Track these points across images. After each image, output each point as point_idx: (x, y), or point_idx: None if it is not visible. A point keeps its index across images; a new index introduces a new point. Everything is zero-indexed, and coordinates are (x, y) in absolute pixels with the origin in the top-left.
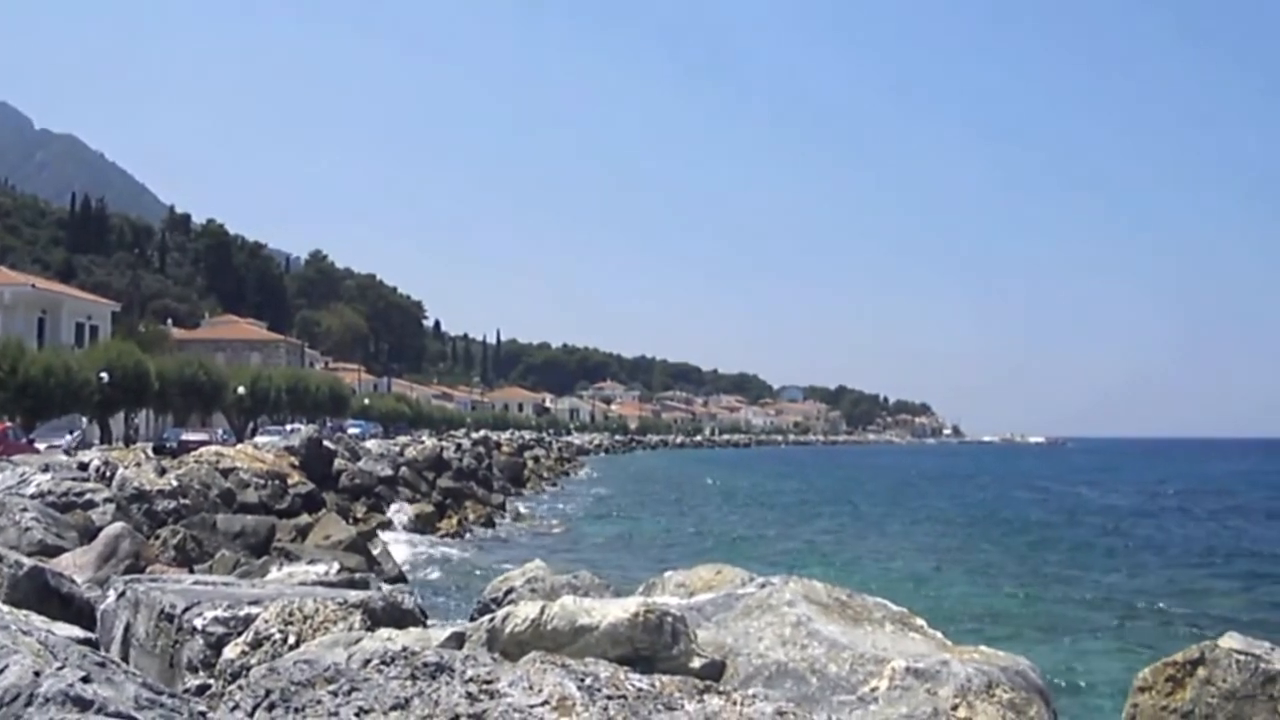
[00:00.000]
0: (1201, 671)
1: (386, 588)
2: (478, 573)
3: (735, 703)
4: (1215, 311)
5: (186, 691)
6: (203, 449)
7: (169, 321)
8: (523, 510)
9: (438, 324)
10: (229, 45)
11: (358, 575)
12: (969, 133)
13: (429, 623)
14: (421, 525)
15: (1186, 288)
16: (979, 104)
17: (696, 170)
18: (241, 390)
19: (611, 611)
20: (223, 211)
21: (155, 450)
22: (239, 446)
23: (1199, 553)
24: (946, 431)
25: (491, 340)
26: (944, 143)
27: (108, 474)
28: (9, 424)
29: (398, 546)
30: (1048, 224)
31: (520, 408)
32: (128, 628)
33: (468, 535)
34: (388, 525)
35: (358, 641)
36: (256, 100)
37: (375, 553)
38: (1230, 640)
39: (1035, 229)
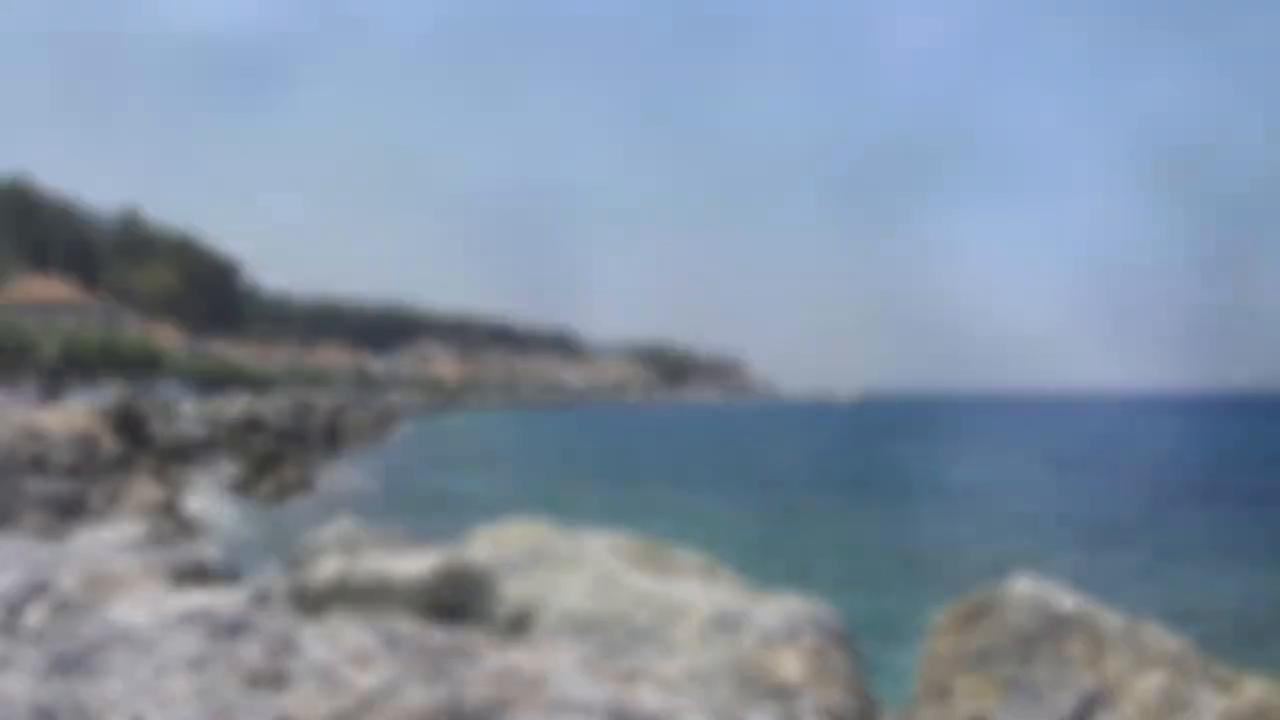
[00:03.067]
0: (994, 613)
1: (195, 548)
2: (292, 533)
3: (537, 653)
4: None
5: None
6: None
7: None
8: (341, 470)
9: (255, 284)
10: None
11: (166, 536)
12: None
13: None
14: (238, 487)
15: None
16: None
17: (500, 123)
18: (52, 352)
19: (416, 566)
20: (29, 167)
21: None
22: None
23: (998, 501)
24: (761, 389)
25: (310, 300)
26: (760, 90)
27: None
28: None
29: (213, 508)
30: (874, 179)
31: (339, 368)
32: None
33: (284, 496)
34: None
35: (160, 602)
36: (59, 51)
37: (187, 514)
38: (1020, 583)
39: (857, 185)
